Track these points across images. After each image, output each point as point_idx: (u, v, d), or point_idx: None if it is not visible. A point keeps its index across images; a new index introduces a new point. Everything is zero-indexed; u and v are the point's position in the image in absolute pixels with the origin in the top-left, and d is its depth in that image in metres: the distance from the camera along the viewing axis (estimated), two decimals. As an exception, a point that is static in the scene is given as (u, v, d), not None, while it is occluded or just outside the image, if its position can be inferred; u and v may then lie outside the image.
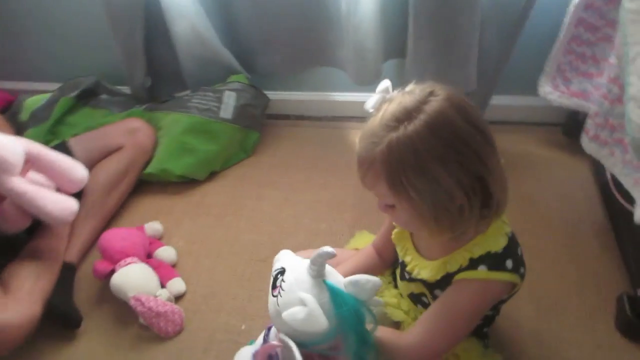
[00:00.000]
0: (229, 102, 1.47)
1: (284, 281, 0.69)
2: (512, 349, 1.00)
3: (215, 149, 1.46)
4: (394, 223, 0.90)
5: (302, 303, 0.64)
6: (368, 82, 1.43)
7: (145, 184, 1.49)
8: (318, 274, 0.68)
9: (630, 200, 1.04)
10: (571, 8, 1.19)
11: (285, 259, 0.74)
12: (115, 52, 1.61)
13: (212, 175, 1.52)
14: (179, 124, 1.47)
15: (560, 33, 1.25)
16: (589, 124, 1.12)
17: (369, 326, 0.68)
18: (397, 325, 0.92)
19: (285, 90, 1.69)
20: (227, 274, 1.23)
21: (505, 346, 1.00)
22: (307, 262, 0.71)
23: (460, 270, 0.76)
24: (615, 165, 1.07)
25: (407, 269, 0.86)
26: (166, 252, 1.26)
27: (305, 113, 1.71)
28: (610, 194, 1.15)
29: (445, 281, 0.79)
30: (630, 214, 1.03)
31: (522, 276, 0.76)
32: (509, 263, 0.74)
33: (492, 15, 1.28)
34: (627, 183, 1.04)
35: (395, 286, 0.97)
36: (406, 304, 0.94)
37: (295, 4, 1.40)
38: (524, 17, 1.25)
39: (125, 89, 1.73)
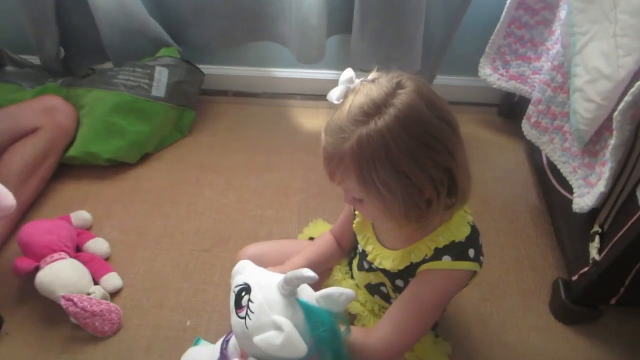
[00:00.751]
0: (161, 78, 1.35)
1: (251, 301, 0.63)
2: (457, 335, 1.04)
3: (148, 130, 1.35)
4: (356, 212, 0.88)
5: (277, 327, 0.59)
6: (312, 61, 1.37)
7: (67, 167, 1.34)
8: (290, 293, 0.64)
9: (565, 185, 1.10)
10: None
11: (247, 273, 0.68)
12: (18, 16, 1.39)
13: (145, 157, 1.40)
14: (104, 103, 1.32)
15: (502, 15, 1.26)
16: (531, 110, 1.15)
17: (342, 327, 0.66)
18: (353, 317, 0.91)
19: (221, 65, 1.58)
20: (168, 266, 1.16)
21: (452, 332, 1.03)
22: (275, 277, 0.66)
23: (424, 260, 0.76)
24: (555, 152, 1.11)
25: (368, 258, 0.85)
26: (97, 245, 1.16)
27: (244, 89, 1.62)
28: (546, 177, 1.20)
29: (407, 271, 0.79)
30: (565, 200, 1.08)
31: (481, 264, 0.77)
32: (471, 252, 0.75)
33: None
34: (565, 170, 1.09)
35: (352, 277, 0.96)
36: (363, 295, 0.93)
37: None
38: (470, -2, 1.25)
39: (34, 59, 1.52)
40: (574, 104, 0.97)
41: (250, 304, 0.63)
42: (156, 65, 1.35)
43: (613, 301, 1.00)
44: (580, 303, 1.03)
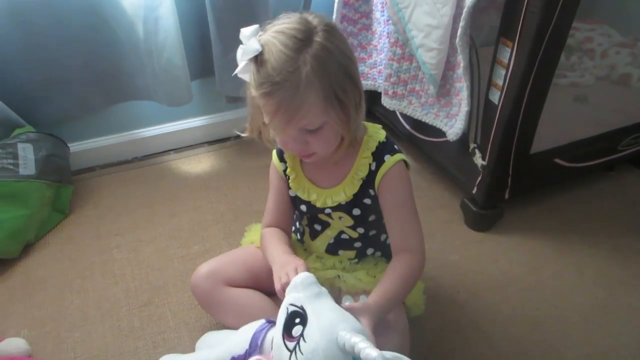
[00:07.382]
0: (27, 155, 1.21)
1: (304, 340, 0.55)
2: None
3: (25, 214, 1.18)
4: (287, 172, 0.90)
5: None
6: (183, 102, 1.41)
7: None
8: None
9: (433, 134, 1.34)
10: (335, 6, 1.47)
11: (308, 295, 0.59)
12: None
13: (26, 249, 1.21)
14: (-37, 197, 1.13)
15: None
16: (386, 86, 1.38)
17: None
18: (337, 290, 0.91)
19: (83, 140, 1.49)
20: (110, 335, 1.01)
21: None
22: (339, 320, 0.58)
23: (372, 172, 0.84)
24: (416, 110, 1.35)
25: (318, 205, 0.88)
26: (12, 345, 0.95)
27: (111, 160, 1.54)
28: (416, 137, 1.43)
29: (362, 192, 0.85)
30: (439, 144, 1.32)
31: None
32: (395, 146, 0.87)
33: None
34: (429, 120, 1.32)
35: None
36: (329, 260, 0.94)
37: (77, 39, 1.28)
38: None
39: None
40: (420, 57, 1.22)
41: (302, 341, 0.55)
42: (17, 142, 1.21)
43: (507, 195, 1.24)
44: (486, 207, 1.25)
